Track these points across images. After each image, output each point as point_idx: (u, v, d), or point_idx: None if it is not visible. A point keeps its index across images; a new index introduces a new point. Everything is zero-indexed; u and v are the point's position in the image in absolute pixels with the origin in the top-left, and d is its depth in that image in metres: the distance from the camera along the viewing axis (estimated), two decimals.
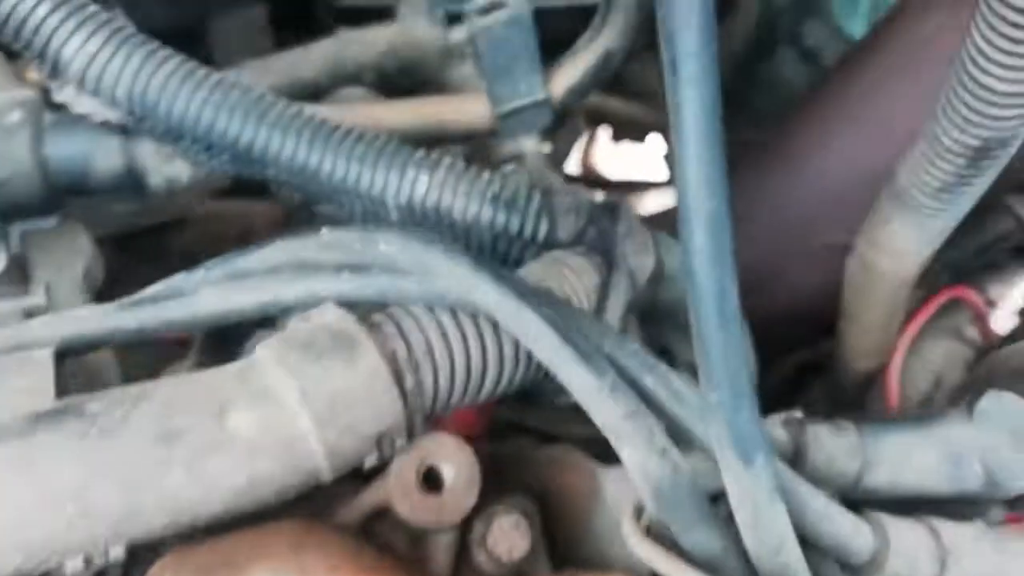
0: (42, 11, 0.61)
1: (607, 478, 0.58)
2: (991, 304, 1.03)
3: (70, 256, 0.77)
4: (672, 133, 0.38)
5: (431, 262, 0.46)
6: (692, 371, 0.86)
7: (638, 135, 1.80)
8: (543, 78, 0.79)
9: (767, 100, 1.62)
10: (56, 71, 0.63)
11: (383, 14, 1.16)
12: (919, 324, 0.96)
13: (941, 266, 1.08)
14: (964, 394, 0.58)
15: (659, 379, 0.46)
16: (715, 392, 0.38)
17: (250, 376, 0.43)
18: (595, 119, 1.78)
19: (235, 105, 0.64)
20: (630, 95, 1.72)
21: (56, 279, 0.72)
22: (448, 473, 0.48)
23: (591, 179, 1.91)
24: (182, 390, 0.42)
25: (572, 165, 1.84)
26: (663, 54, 0.38)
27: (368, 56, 1.03)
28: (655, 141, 1.77)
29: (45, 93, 0.66)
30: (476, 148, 1.03)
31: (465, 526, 0.52)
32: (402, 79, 1.07)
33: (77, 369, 0.57)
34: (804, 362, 1.18)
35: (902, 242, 0.65)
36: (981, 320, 1.00)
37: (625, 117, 1.71)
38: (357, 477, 0.49)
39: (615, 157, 1.95)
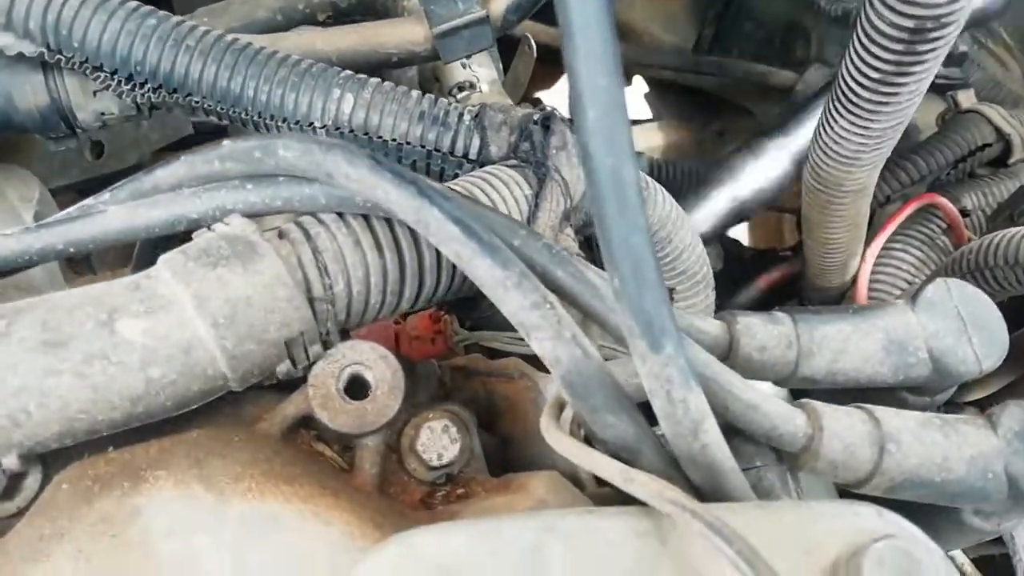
0: None
1: (549, 385, 0.57)
2: (965, 213, 1.00)
3: (18, 202, 0.76)
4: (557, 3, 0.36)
5: (331, 165, 0.44)
6: None
7: (624, 77, 1.76)
8: None
9: (746, 33, 1.58)
10: None
11: None
12: (889, 231, 0.94)
13: (920, 177, 1.06)
14: None
15: (572, 272, 0.44)
16: (616, 278, 0.36)
17: (143, 285, 0.42)
18: None
19: (151, 32, 0.62)
20: None
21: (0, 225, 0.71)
22: (370, 379, 0.47)
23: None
24: (69, 300, 0.40)
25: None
26: None
27: None
28: (637, 81, 1.74)
29: None
30: (429, 76, 1.01)
31: (398, 433, 0.51)
32: (358, 15, 1.04)
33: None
34: (775, 281, 1.16)
35: (848, 146, 0.62)
36: (955, 228, 0.98)
37: None
38: (283, 389, 0.48)
39: None
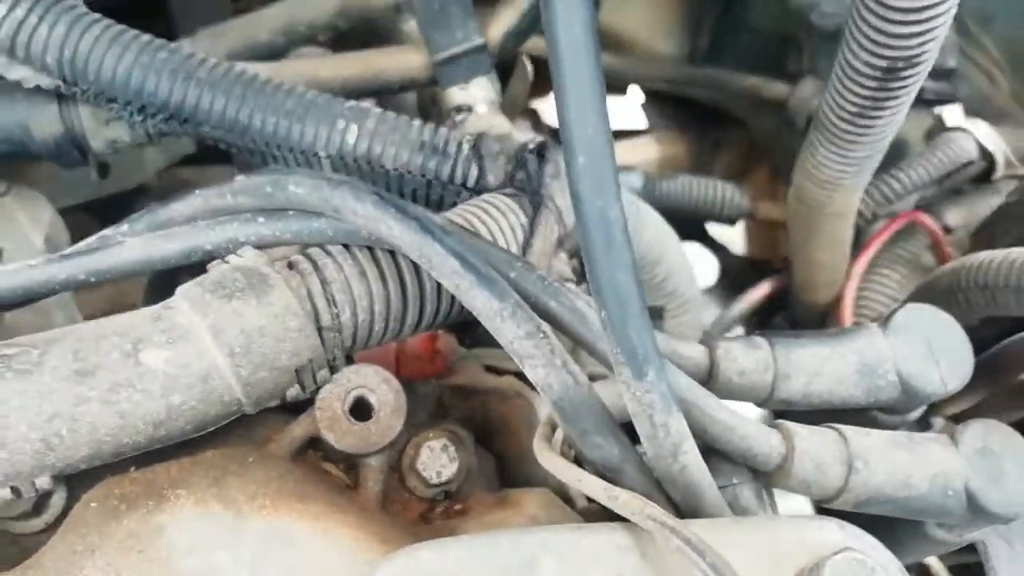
0: None
1: (542, 404, 0.60)
2: (948, 230, 1.04)
3: (29, 225, 0.79)
4: (550, 58, 0.39)
5: (339, 201, 0.48)
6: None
7: (618, 87, 1.80)
8: (478, 24, 0.79)
9: (741, 43, 1.61)
10: None
11: None
12: (873, 251, 0.97)
13: (905, 193, 1.09)
14: None
15: (563, 302, 0.47)
16: (603, 310, 0.40)
17: (164, 316, 0.45)
18: None
19: (163, 65, 0.65)
20: (603, 48, 1.71)
21: (12, 247, 0.74)
22: (373, 402, 0.50)
23: None
24: (96, 331, 0.43)
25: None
26: None
27: (321, 17, 1.03)
28: (634, 91, 1.77)
29: None
30: (428, 99, 1.04)
31: (399, 453, 0.54)
32: (357, 37, 1.07)
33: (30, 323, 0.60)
34: (766, 294, 1.20)
35: (829, 172, 0.66)
36: (938, 246, 1.01)
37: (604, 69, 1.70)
38: (292, 410, 0.51)
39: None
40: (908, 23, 0.49)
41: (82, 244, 0.54)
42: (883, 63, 0.53)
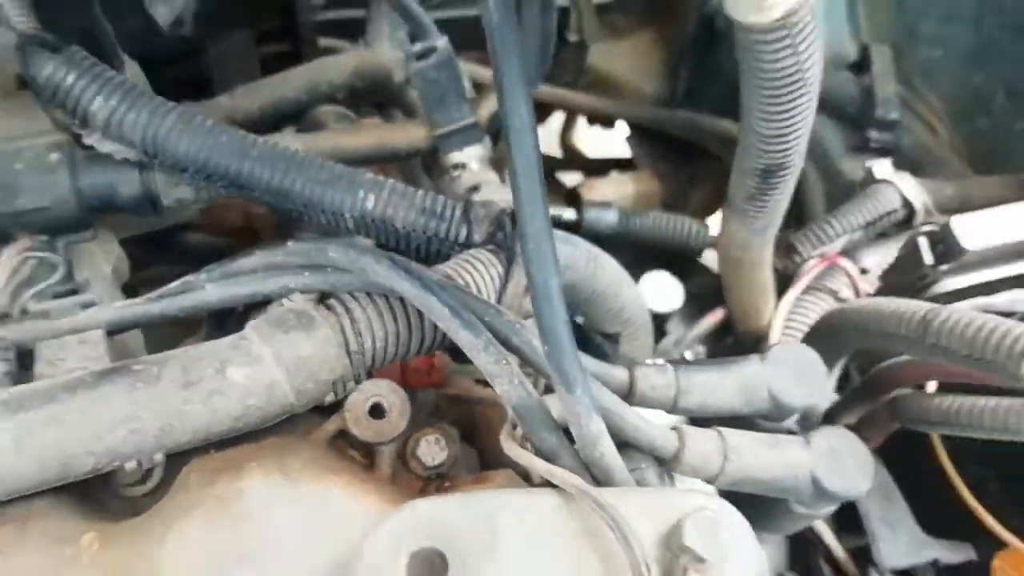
0: (71, 78, 0.81)
1: None
2: (865, 271, 1.23)
3: (103, 259, 0.98)
4: (510, 180, 0.58)
5: (364, 263, 0.67)
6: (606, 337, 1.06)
7: (607, 121, 2.00)
8: (471, 106, 0.99)
9: (716, 89, 1.80)
10: (85, 122, 0.83)
11: (357, 25, 1.36)
12: (797, 290, 1.17)
13: (836, 236, 1.28)
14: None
15: (521, 339, 0.66)
16: (545, 346, 0.59)
17: (240, 345, 0.64)
18: (567, 109, 2.00)
19: (225, 145, 0.84)
20: (593, 88, 1.91)
21: (93, 277, 0.93)
22: (386, 406, 0.69)
23: (571, 157, 2.14)
24: (196, 354, 0.63)
25: (554, 146, 2.07)
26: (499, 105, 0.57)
27: (340, 78, 1.23)
28: (620, 125, 1.97)
29: (78, 138, 0.86)
30: (430, 158, 1.23)
31: (404, 443, 0.73)
32: (370, 96, 1.27)
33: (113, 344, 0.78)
34: (719, 320, 1.39)
35: (740, 236, 0.85)
36: (853, 284, 1.20)
37: (588, 107, 1.91)
38: (324, 411, 0.70)
39: (591, 139, 2.19)
40: (773, 141, 0.68)
41: (169, 287, 0.73)
42: (760, 166, 0.72)
